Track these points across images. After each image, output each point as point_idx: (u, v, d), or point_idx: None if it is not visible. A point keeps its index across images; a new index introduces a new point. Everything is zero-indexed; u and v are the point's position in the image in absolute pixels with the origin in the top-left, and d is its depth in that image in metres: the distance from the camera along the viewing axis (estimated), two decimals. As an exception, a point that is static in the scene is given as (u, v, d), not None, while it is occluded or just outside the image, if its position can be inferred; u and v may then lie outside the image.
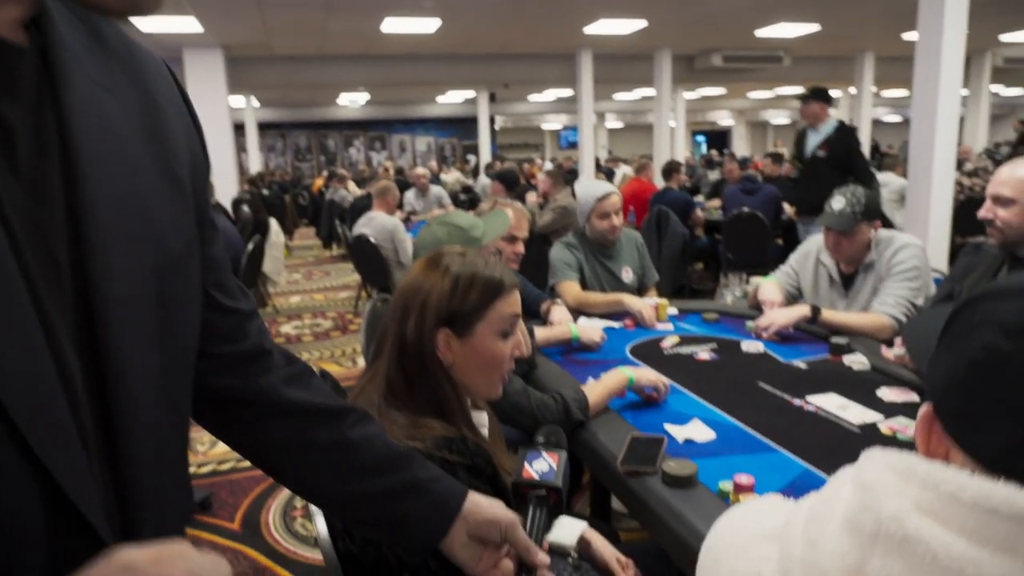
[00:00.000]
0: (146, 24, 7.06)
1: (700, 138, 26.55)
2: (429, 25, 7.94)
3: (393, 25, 7.87)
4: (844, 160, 5.02)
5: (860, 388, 1.86)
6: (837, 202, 2.39)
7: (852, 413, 1.70)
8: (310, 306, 6.84)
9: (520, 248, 2.41)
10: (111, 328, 0.55)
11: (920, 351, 0.74)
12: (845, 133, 4.85)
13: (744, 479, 1.28)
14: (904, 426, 1.61)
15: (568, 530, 1.38)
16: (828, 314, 2.34)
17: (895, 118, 24.12)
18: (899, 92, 19.02)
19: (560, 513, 0.97)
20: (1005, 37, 10.20)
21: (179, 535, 0.69)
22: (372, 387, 1.17)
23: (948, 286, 2.08)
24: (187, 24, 7.17)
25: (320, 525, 1.15)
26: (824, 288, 2.57)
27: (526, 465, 0.96)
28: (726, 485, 1.31)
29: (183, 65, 8.30)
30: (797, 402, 1.79)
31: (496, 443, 1.24)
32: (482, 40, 9.29)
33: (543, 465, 0.96)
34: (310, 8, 6.88)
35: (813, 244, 2.68)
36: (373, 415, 1.10)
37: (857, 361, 2.09)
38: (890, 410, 1.71)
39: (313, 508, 1.19)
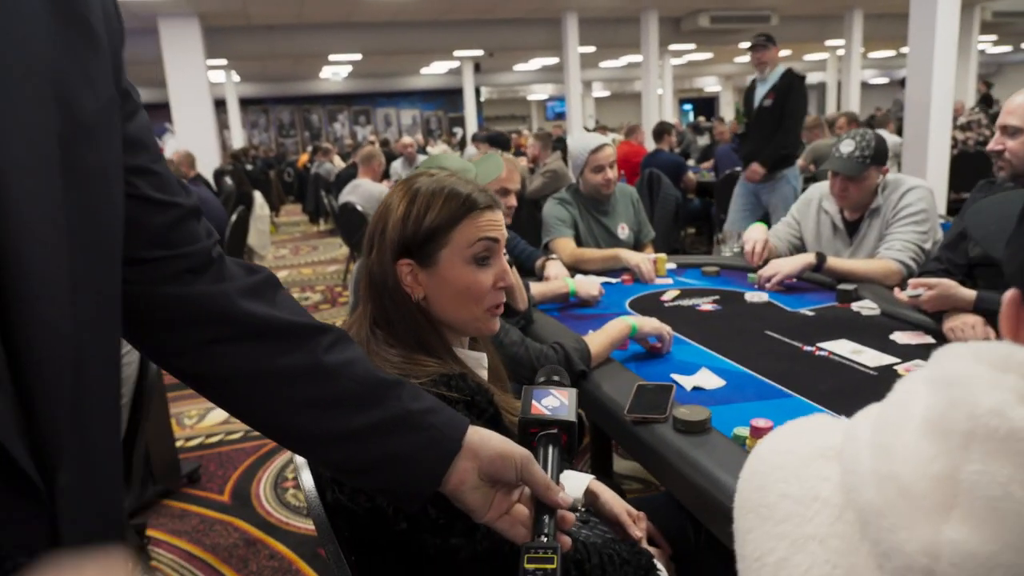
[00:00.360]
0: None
1: (687, 107, 26.30)
2: (410, -12, 7.74)
3: (373, -11, 7.66)
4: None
5: (872, 333, 1.79)
6: (846, 145, 2.29)
7: (867, 357, 1.62)
8: (298, 280, 6.72)
9: (513, 201, 2.30)
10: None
11: (992, 236, 0.64)
12: (791, 78, 4.55)
13: (762, 423, 1.20)
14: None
15: (573, 482, 1.31)
16: (833, 261, 2.25)
17: (882, 80, 23.97)
18: (886, 53, 18.87)
19: (572, 455, 0.87)
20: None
21: (111, 472, 0.59)
22: (360, 325, 1.07)
23: (961, 223, 1.99)
24: (160, -9, 6.94)
25: (305, 476, 1.05)
26: (827, 236, 2.49)
27: (534, 402, 0.86)
28: (742, 431, 1.23)
29: (159, 35, 8.04)
30: (808, 348, 1.71)
31: (498, 385, 1.15)
32: (465, 4, 9.06)
33: (553, 401, 0.86)
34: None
35: (815, 192, 2.59)
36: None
37: (866, 307, 2.01)
38: (907, 353, 1.63)
39: (299, 461, 1.10)
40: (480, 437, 0.77)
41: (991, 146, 1.87)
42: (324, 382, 0.71)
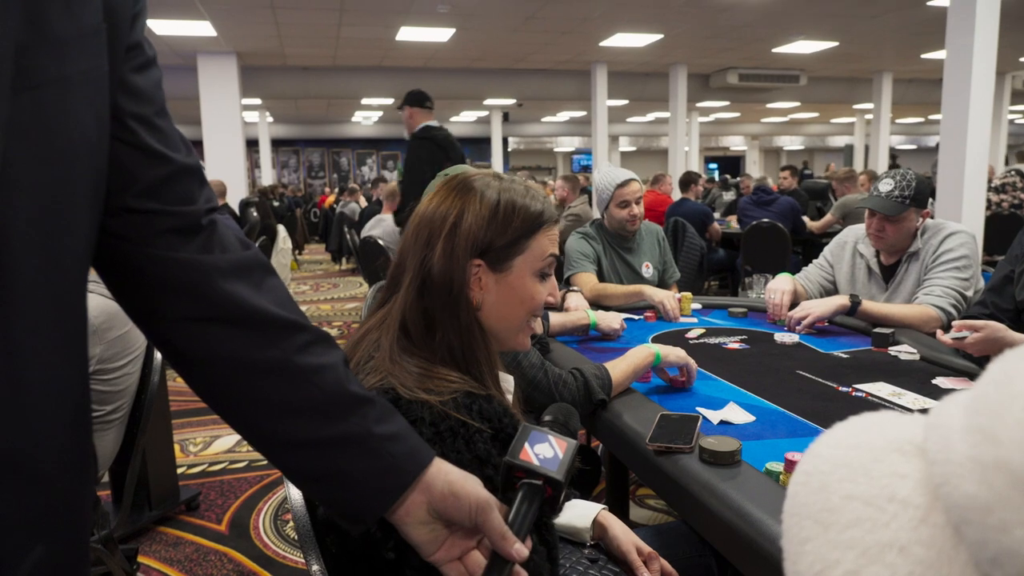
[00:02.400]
0: (160, 27, 7.04)
1: (713, 166, 26.42)
2: (443, 34, 7.89)
3: (408, 34, 7.82)
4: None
5: (913, 378, 1.67)
6: (885, 184, 2.20)
7: (908, 400, 1.51)
8: (316, 316, 6.69)
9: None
10: None
11: None
12: (416, 137, 4.55)
13: (798, 456, 1.09)
14: (971, 412, 1.41)
15: (581, 511, 1.21)
16: (869, 305, 2.15)
17: (909, 146, 23.97)
18: (913, 119, 18.90)
19: (554, 512, 0.79)
20: (1027, 59, 10.07)
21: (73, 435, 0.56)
22: (382, 330, 0.96)
23: (1007, 267, 1.89)
24: (201, 28, 7.14)
25: (293, 490, 0.96)
26: (862, 280, 2.38)
27: (527, 446, 0.77)
28: (775, 465, 1.12)
29: (197, 71, 8.27)
30: (844, 388, 1.60)
31: (518, 411, 1.05)
32: (497, 53, 9.23)
33: (547, 450, 0.77)
34: (324, 11, 6.82)
35: (850, 234, 2.50)
36: (383, 361, 0.91)
37: (905, 351, 1.90)
38: (951, 398, 1.51)
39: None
40: (440, 472, 0.72)
41: None
42: (289, 384, 0.67)
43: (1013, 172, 6.48)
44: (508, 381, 1.06)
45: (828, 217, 6.19)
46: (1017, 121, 19.45)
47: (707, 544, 1.26)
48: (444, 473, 0.73)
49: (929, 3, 6.88)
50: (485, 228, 0.96)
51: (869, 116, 13.79)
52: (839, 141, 23.78)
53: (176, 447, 3.11)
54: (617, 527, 1.20)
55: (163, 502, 2.62)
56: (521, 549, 0.71)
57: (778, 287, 2.34)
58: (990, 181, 6.67)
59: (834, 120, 20.28)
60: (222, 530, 2.59)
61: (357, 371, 0.93)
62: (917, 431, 0.44)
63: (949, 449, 0.38)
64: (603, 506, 1.23)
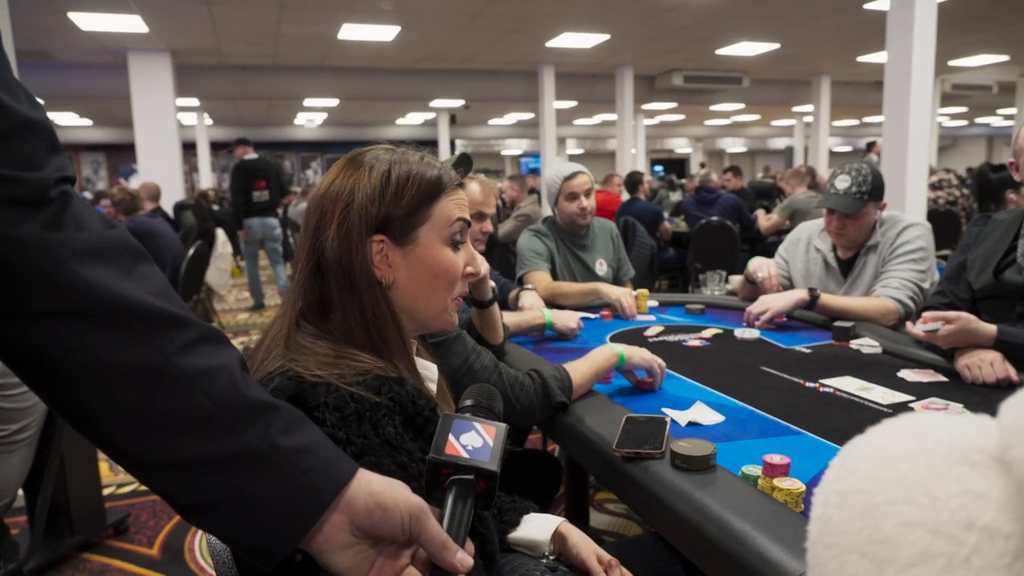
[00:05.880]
0: (87, 22, 6.67)
1: (658, 168, 26.76)
2: (388, 33, 7.71)
3: (351, 32, 7.62)
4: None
5: (878, 371, 1.63)
6: (841, 181, 2.16)
7: (877, 394, 1.45)
8: (259, 323, 6.44)
9: (488, 226, 2.14)
10: None
11: None
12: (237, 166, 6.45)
13: (776, 459, 1.01)
14: (943, 405, 1.36)
15: (540, 524, 1.12)
16: (828, 298, 2.11)
17: (845, 148, 24.74)
18: (849, 121, 19.51)
19: (489, 507, 0.71)
20: (955, 62, 10.46)
21: None
22: (284, 318, 0.89)
23: (960, 256, 1.87)
24: (132, 23, 6.80)
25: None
26: (818, 275, 2.35)
27: (451, 438, 0.68)
28: (752, 469, 1.04)
29: (128, 69, 7.88)
30: (811, 384, 1.54)
31: (443, 404, 0.96)
32: (443, 53, 9.10)
33: (475, 439, 0.68)
34: (262, 6, 6.58)
35: (803, 231, 2.47)
36: (284, 346, 0.82)
37: (866, 344, 1.86)
38: (920, 391, 1.47)
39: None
40: (362, 484, 0.61)
41: (1020, 177, 1.72)
42: (169, 391, 0.54)
43: (946, 170, 6.68)
44: (431, 370, 0.98)
45: (776, 218, 6.25)
46: (946, 124, 20.28)
47: (675, 552, 1.17)
48: (366, 484, 0.62)
49: (866, 6, 7.04)
50: (378, 202, 0.88)
51: (808, 119, 14.14)
52: (780, 143, 24.39)
53: (103, 465, 2.89)
54: (576, 536, 1.12)
55: (87, 526, 2.42)
56: (464, 558, 0.62)
57: (762, 264, 2.35)
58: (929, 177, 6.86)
59: (775, 122, 20.77)
60: (153, 554, 2.40)
61: (264, 358, 0.84)
62: (986, 436, 0.35)
63: None
64: (562, 519, 1.14)
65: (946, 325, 1.50)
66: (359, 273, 0.87)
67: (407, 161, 0.92)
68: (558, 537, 1.12)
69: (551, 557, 1.12)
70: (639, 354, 1.50)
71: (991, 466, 0.33)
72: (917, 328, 1.55)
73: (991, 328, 1.50)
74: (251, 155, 6.48)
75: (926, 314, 1.55)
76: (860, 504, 0.36)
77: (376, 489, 0.61)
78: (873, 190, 2.12)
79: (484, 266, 1.50)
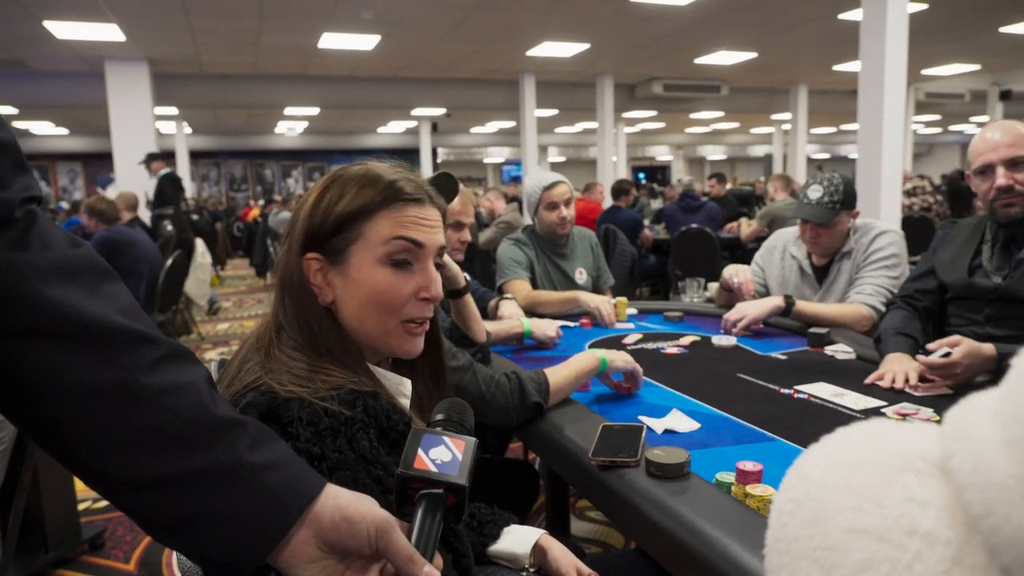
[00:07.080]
0: (62, 31, 6.61)
1: (640, 175, 26.96)
2: (368, 42, 7.71)
3: (331, 41, 7.61)
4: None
5: (852, 377, 1.65)
6: (814, 191, 2.19)
7: (850, 400, 1.48)
8: (239, 333, 6.38)
9: (467, 236, 2.14)
10: None
11: None
12: (161, 181, 7.09)
13: (749, 466, 1.02)
14: (914, 410, 1.39)
15: (520, 537, 1.12)
16: (803, 305, 2.14)
17: (823, 155, 25.06)
18: (827, 129, 19.78)
19: (459, 521, 0.70)
20: (928, 71, 10.65)
21: None
22: (264, 330, 0.89)
23: (930, 256, 1.91)
24: (108, 32, 6.74)
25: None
26: (794, 282, 2.38)
27: (420, 452, 0.68)
28: (725, 476, 1.05)
29: (105, 78, 7.81)
30: (785, 391, 1.56)
31: (420, 419, 0.96)
32: (424, 61, 9.11)
33: (444, 454, 0.69)
34: (242, 15, 6.55)
35: (779, 238, 2.50)
36: (259, 361, 0.83)
37: (841, 351, 1.89)
38: (891, 397, 1.49)
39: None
40: (328, 497, 0.62)
41: (1000, 182, 1.71)
42: (134, 409, 0.55)
43: (919, 177, 6.79)
44: (405, 385, 0.96)
45: (755, 225, 6.32)
46: (921, 131, 20.62)
47: (658, 569, 1.18)
48: (333, 498, 0.62)
49: (840, 16, 7.16)
50: (309, 217, 0.88)
51: (787, 127, 14.33)
52: (759, 151, 24.67)
53: (78, 479, 2.85)
54: (557, 549, 1.12)
55: (62, 542, 2.38)
56: (432, 572, 0.62)
57: (738, 270, 2.38)
58: (904, 183, 6.97)
59: (754, 130, 21.01)
60: (130, 570, 2.37)
61: (240, 370, 0.84)
62: (929, 444, 0.36)
63: (986, 468, 0.30)
64: (543, 531, 1.14)
65: (954, 348, 1.49)
66: (297, 290, 0.88)
67: (354, 177, 0.89)
68: (538, 550, 1.12)
69: (531, 570, 1.12)
70: (620, 357, 1.52)
71: (934, 474, 0.34)
72: (933, 357, 1.51)
73: (990, 348, 1.51)
74: (166, 170, 7.32)
75: (930, 345, 1.55)
76: (812, 511, 0.37)
77: (343, 503, 0.61)
78: (845, 199, 2.16)
79: (459, 277, 1.50)
